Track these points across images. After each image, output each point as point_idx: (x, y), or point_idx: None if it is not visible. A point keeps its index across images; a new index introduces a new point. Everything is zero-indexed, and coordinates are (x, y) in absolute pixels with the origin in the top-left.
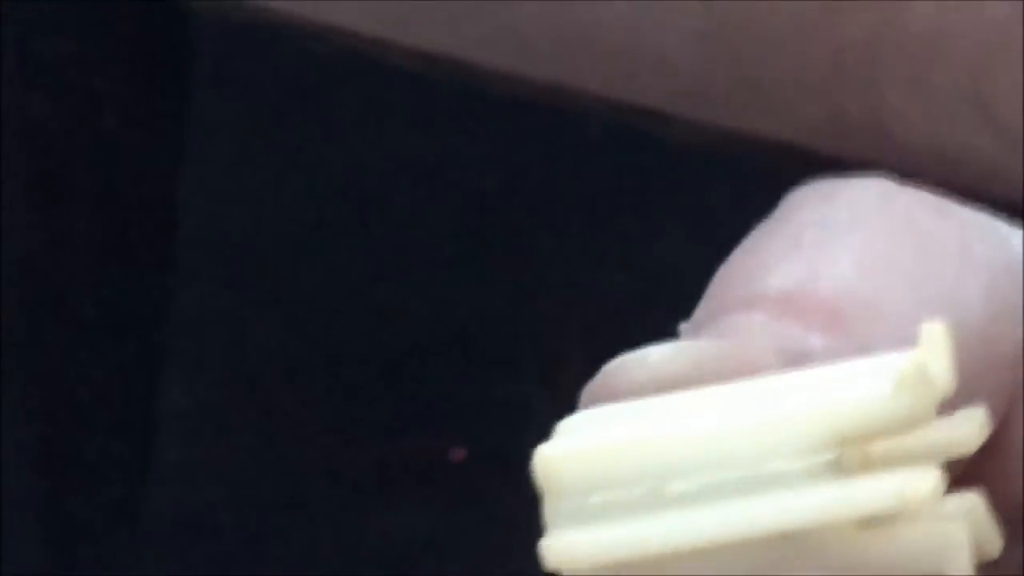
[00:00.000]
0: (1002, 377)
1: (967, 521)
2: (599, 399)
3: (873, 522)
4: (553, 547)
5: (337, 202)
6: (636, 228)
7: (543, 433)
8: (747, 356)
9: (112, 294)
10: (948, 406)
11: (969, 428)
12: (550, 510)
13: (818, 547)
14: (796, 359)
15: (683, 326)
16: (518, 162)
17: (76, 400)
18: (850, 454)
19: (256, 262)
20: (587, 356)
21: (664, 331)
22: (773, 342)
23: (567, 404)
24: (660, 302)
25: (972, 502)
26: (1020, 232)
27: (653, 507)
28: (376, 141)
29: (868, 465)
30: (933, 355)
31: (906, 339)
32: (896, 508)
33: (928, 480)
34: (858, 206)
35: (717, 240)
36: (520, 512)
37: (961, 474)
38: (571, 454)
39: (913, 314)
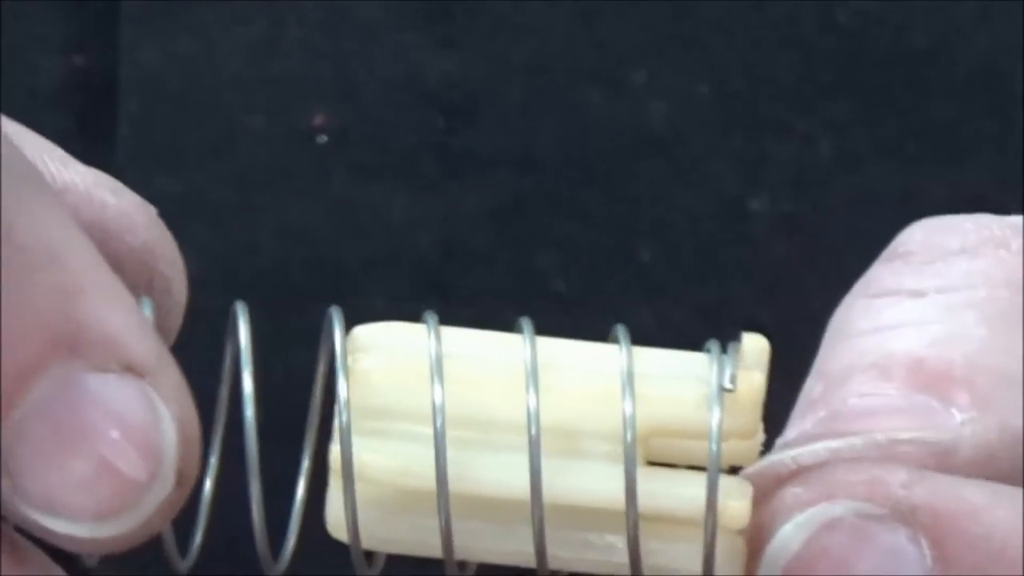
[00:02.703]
0: None
1: (743, 536)
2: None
3: (655, 518)
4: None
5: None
6: None
7: None
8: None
9: None
10: None
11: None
12: (353, 420)
13: (592, 526)
14: (939, 450)
15: (809, 383)
16: None
17: None
18: (658, 449)
19: None
20: None
21: None
22: (915, 422)
23: None
24: None
25: None
26: None
27: (450, 445)
28: None
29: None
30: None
31: None
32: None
33: (746, 491)
34: (972, 253)
35: None
36: None
37: None
38: (384, 372)
39: None
